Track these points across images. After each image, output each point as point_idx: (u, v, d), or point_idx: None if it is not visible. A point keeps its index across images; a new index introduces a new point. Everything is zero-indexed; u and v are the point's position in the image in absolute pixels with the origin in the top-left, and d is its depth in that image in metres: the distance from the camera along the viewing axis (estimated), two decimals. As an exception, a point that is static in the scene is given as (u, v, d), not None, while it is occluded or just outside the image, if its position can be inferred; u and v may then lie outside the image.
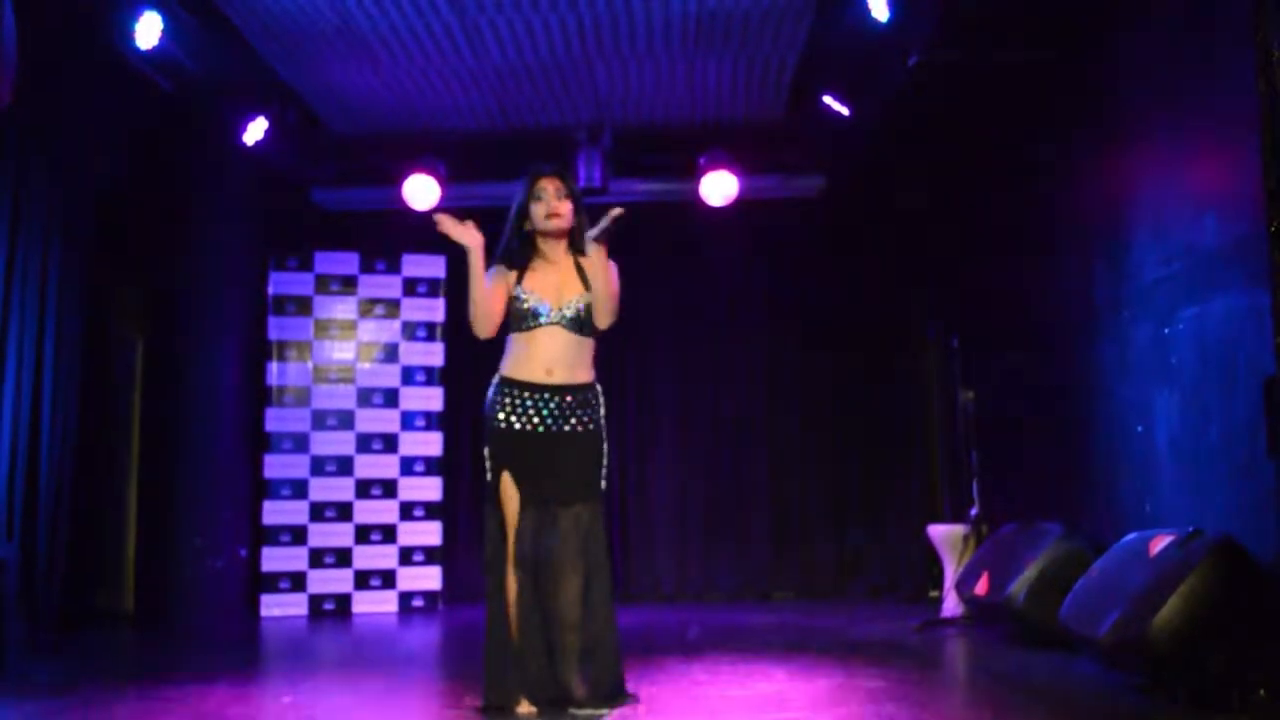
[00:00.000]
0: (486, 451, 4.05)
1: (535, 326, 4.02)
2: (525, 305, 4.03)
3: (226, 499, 7.43)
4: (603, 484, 4.07)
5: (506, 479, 3.97)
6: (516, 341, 4.07)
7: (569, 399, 4.01)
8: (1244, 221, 4.30)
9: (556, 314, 4.03)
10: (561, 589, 3.88)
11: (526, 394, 3.99)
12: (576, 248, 4.13)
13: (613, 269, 4.10)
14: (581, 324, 4.06)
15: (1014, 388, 6.93)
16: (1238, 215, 4.37)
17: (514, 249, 4.12)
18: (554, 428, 3.98)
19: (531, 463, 3.96)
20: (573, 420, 4.01)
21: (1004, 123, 6.94)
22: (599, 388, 4.13)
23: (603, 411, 4.11)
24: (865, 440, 8.42)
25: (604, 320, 4.07)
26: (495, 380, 4.09)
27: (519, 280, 4.07)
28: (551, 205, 4.08)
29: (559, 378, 4.01)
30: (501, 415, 4.00)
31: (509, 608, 3.92)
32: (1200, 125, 4.72)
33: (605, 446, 4.09)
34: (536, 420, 3.98)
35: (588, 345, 4.10)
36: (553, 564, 3.89)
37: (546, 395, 3.99)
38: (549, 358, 4.01)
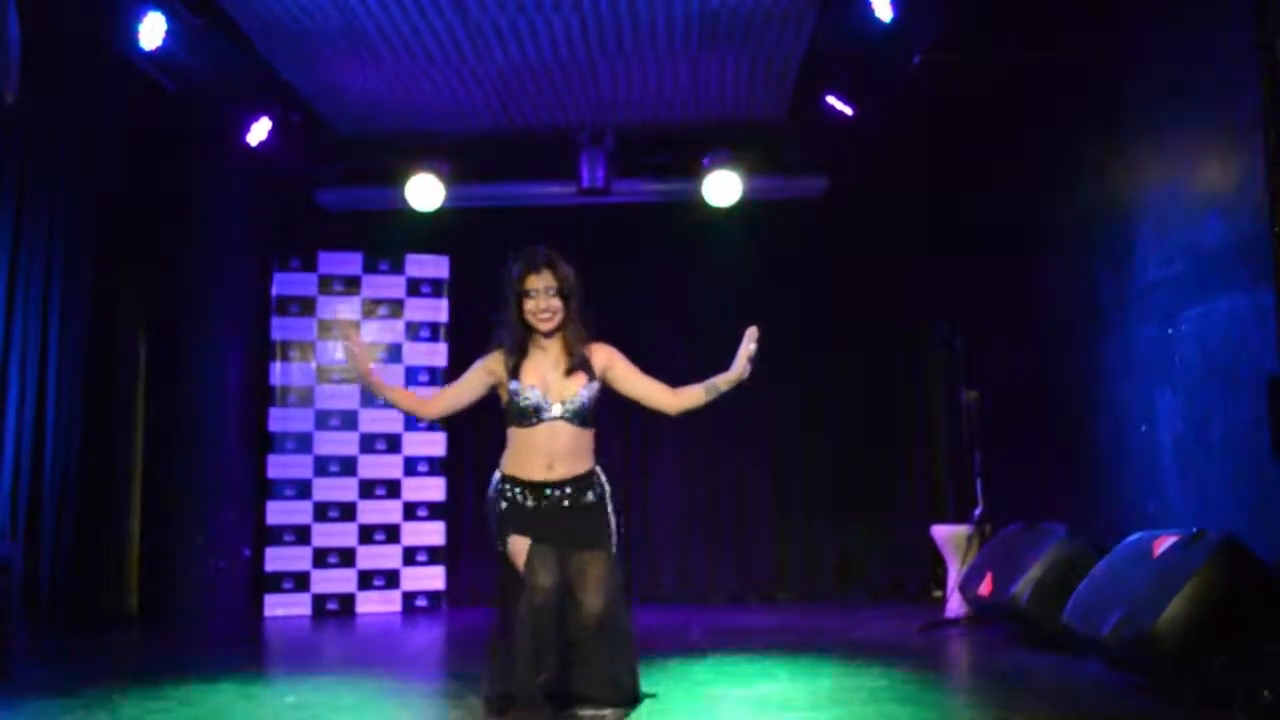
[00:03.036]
0: (494, 528, 3.99)
1: (538, 423, 3.96)
2: (525, 402, 3.96)
3: (230, 499, 7.44)
4: (613, 544, 4.01)
5: (515, 537, 3.90)
6: (518, 436, 4.00)
7: (570, 490, 3.97)
8: (1247, 222, 4.30)
9: (559, 408, 3.96)
10: (586, 604, 3.81)
11: (529, 490, 3.94)
12: (575, 335, 4.05)
13: (618, 355, 4.11)
14: (584, 417, 4.00)
15: (1017, 388, 6.93)
16: (1241, 215, 4.36)
17: (509, 338, 4.04)
18: (558, 506, 3.95)
19: (541, 523, 3.90)
20: (576, 499, 3.98)
21: (1007, 123, 6.94)
22: (598, 469, 4.08)
23: (607, 490, 4.07)
24: (869, 440, 8.40)
25: (675, 408, 4.07)
26: (496, 476, 4.04)
27: (515, 373, 4.00)
28: (541, 304, 3.99)
29: (560, 473, 3.96)
30: (504, 503, 3.97)
31: (526, 618, 3.78)
32: (1204, 125, 4.72)
33: (613, 516, 4.04)
34: (539, 504, 3.94)
35: (589, 435, 4.05)
36: (573, 587, 3.82)
37: (548, 490, 3.94)
38: (551, 453, 3.95)
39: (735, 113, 7.80)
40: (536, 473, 3.94)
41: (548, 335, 4.03)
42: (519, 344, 4.03)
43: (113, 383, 7.30)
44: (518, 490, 3.95)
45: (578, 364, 4.02)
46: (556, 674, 3.78)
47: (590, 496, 4.00)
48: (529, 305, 4.00)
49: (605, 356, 4.10)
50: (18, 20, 4.34)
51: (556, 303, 4.00)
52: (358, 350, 3.97)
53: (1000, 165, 7.20)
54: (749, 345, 3.90)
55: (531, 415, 3.95)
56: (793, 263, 8.51)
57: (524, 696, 3.75)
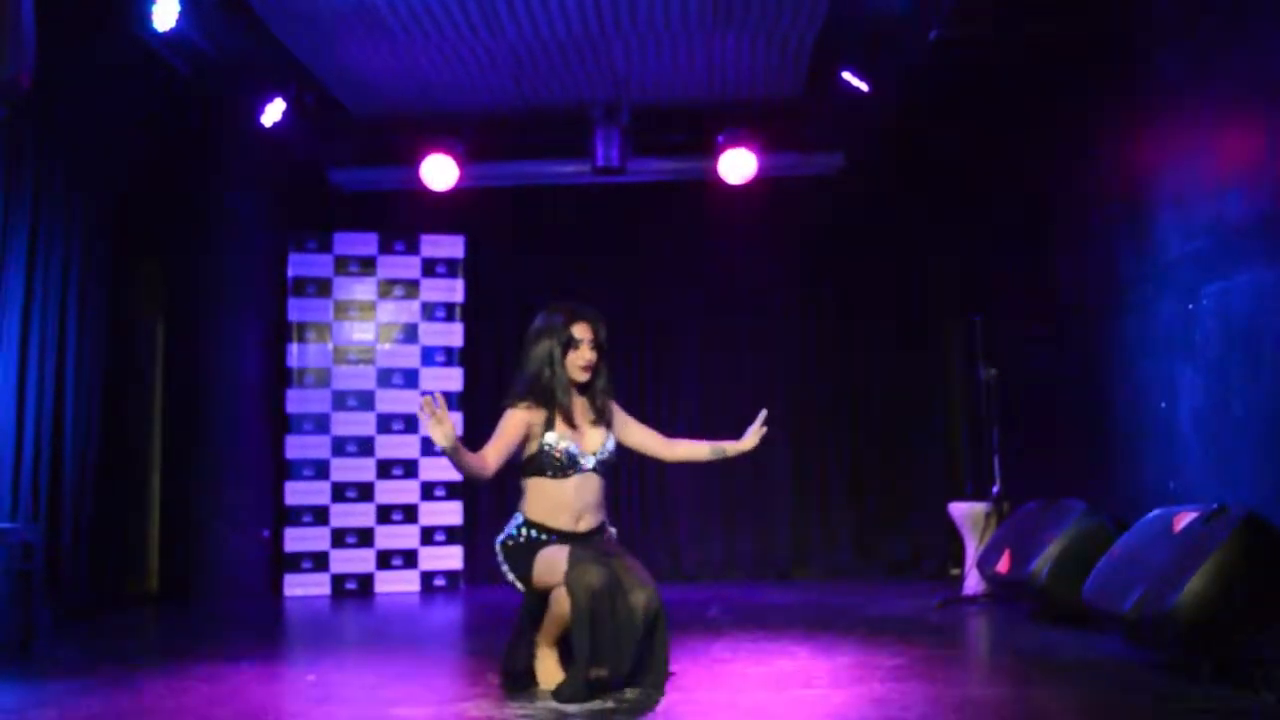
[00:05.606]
0: (513, 562, 3.94)
1: (572, 474, 3.95)
2: (561, 454, 3.94)
3: (249, 480, 7.48)
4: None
5: (549, 549, 3.85)
6: (545, 487, 3.96)
7: (594, 536, 4.02)
8: (1270, 196, 4.26)
9: (591, 460, 3.99)
10: (640, 593, 3.77)
11: (556, 536, 3.91)
12: (605, 389, 4.11)
13: (617, 407, 4.19)
14: (610, 468, 4.09)
15: (1037, 364, 6.89)
16: (1264, 190, 4.32)
17: (541, 388, 3.99)
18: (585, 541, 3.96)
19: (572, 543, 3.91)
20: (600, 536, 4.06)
21: (1025, 98, 6.88)
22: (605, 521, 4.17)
23: (614, 531, 4.18)
24: (887, 418, 8.39)
25: (670, 457, 4.28)
26: (518, 519, 3.99)
27: (549, 424, 3.96)
28: (587, 357, 4.00)
29: (585, 524, 3.99)
30: (526, 540, 3.94)
31: (585, 610, 3.67)
32: (1226, 100, 4.67)
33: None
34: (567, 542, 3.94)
35: (607, 486, 4.12)
36: (621, 586, 3.76)
37: (571, 542, 3.91)
38: (580, 505, 3.97)
39: (751, 89, 7.74)
40: (564, 525, 3.94)
41: (582, 387, 4.05)
42: (551, 394, 3.99)
43: (131, 365, 7.33)
44: (544, 535, 3.92)
45: (602, 416, 4.07)
46: (614, 668, 3.70)
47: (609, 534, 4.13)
48: (573, 355, 4.00)
49: (626, 424, 4.22)
50: (31, 6, 4.33)
51: (596, 355, 4.03)
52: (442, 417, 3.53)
53: (1019, 141, 7.15)
54: (760, 427, 4.19)
55: (567, 467, 3.95)
56: (809, 240, 8.48)
57: (571, 686, 3.68)
